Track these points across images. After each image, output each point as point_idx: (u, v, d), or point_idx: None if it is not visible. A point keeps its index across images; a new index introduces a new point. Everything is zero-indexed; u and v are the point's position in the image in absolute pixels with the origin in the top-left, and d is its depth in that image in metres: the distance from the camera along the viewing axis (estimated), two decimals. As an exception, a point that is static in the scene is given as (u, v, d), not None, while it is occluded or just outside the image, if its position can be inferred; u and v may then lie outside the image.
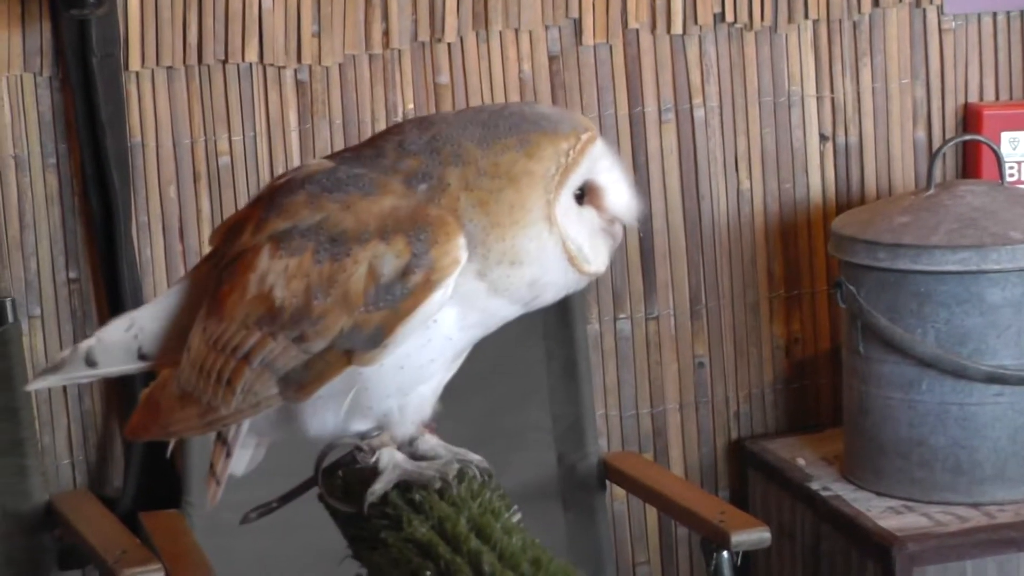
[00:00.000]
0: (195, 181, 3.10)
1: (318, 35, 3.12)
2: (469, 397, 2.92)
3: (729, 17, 3.31)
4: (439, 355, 1.41)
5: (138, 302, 2.89)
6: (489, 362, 2.88)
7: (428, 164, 1.39)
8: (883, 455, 3.08)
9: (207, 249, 1.51)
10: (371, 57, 3.16)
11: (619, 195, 1.44)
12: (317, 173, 1.43)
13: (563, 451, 3.17)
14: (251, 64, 3.09)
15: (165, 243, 3.10)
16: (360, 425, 1.44)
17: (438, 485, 1.43)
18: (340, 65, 3.14)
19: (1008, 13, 3.45)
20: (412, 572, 1.36)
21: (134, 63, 3.03)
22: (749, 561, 3.16)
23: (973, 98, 3.46)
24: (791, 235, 3.40)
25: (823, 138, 3.40)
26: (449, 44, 3.18)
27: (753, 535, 2.80)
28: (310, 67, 3.12)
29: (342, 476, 1.47)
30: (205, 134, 3.10)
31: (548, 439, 3.16)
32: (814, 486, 3.15)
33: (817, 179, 3.40)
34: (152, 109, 3.06)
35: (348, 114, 3.16)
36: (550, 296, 1.43)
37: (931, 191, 3.12)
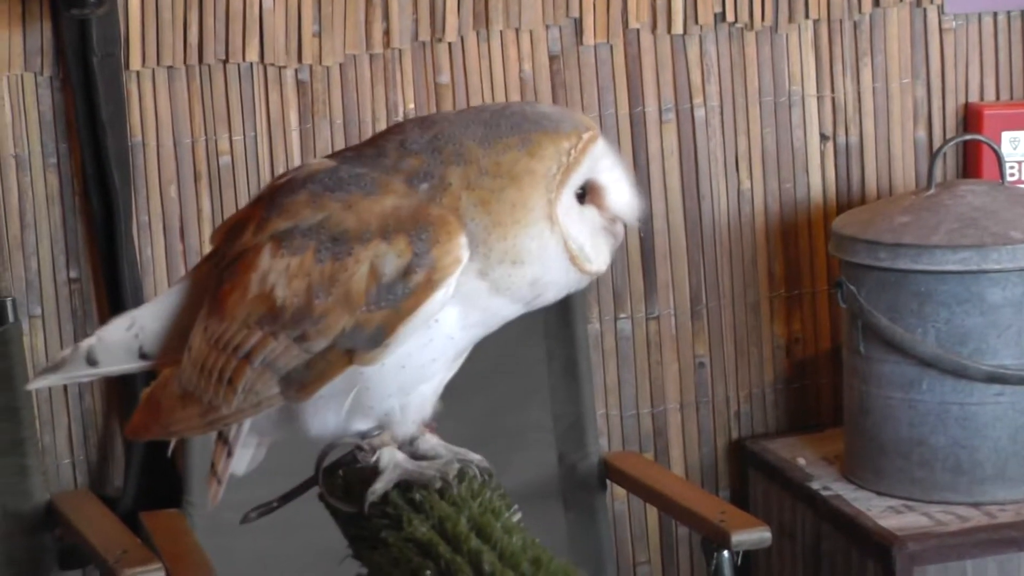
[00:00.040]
0: (196, 181, 3.10)
1: (319, 35, 3.12)
2: (470, 397, 2.92)
3: (730, 17, 3.31)
4: (440, 354, 1.41)
5: (139, 302, 2.89)
6: (490, 362, 2.88)
7: (430, 163, 1.39)
8: (884, 455, 3.08)
9: (208, 249, 1.51)
10: (372, 57, 3.16)
11: (620, 194, 1.44)
12: (319, 172, 1.43)
13: (564, 451, 3.17)
14: (252, 64, 3.09)
15: (166, 243, 3.10)
16: (361, 424, 1.44)
17: (439, 485, 1.43)
18: (341, 65, 3.14)
19: (1008, 13, 3.45)
20: (412, 572, 1.36)
21: (135, 63, 3.03)
22: (750, 561, 3.16)
23: (974, 98, 3.46)
24: (792, 235, 3.40)
25: (824, 138, 3.40)
26: (450, 44, 3.18)
27: (753, 535, 2.80)
28: (311, 67, 3.12)
29: (343, 475, 1.47)
30: (206, 134, 3.10)
31: (549, 439, 3.16)
32: (814, 486, 3.15)
33: (818, 179, 3.40)
34: (153, 109, 3.06)
35: (349, 114, 3.16)
36: (551, 295, 1.43)
37: (932, 191, 3.12)
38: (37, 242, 3.04)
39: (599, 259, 1.44)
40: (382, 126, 3.08)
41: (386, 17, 3.14)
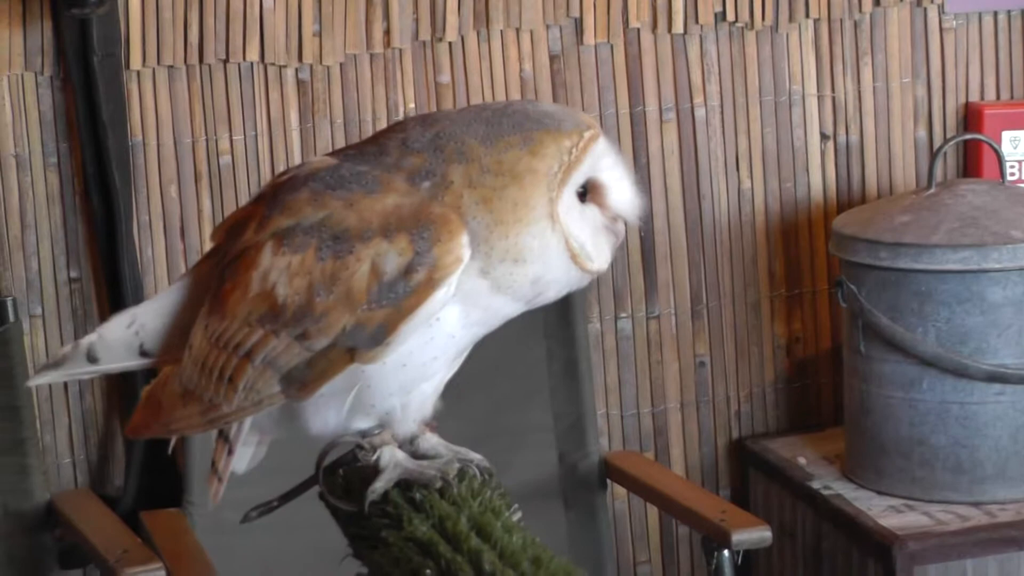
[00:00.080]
0: (196, 180, 3.10)
1: (319, 34, 3.11)
2: (470, 396, 2.92)
3: (730, 16, 3.31)
4: (441, 353, 1.41)
5: (139, 301, 2.83)
6: (490, 361, 2.88)
7: (431, 162, 1.39)
8: (884, 454, 3.08)
9: (208, 248, 1.50)
10: (372, 56, 3.16)
11: (622, 193, 1.44)
12: (320, 170, 1.43)
13: (564, 450, 3.17)
14: (252, 63, 3.09)
15: (166, 242, 3.10)
16: (362, 423, 1.44)
17: (439, 484, 1.43)
18: (341, 64, 3.14)
19: (1009, 12, 3.45)
20: (413, 571, 1.36)
21: (135, 62, 3.03)
22: (750, 560, 3.16)
23: (974, 97, 3.46)
24: (792, 234, 3.40)
25: (824, 137, 3.40)
26: (450, 43, 3.18)
27: (754, 534, 2.80)
28: (311, 66, 3.12)
29: (343, 474, 1.47)
30: (206, 133, 3.10)
31: (549, 438, 3.16)
32: (815, 485, 3.15)
33: (818, 178, 3.40)
34: (153, 108, 3.06)
35: (349, 113, 3.16)
36: (552, 294, 1.43)
37: (932, 190, 3.12)
38: (38, 242, 3.04)
39: (600, 258, 1.44)
40: (382, 125, 3.06)
41: (386, 16, 3.14)
